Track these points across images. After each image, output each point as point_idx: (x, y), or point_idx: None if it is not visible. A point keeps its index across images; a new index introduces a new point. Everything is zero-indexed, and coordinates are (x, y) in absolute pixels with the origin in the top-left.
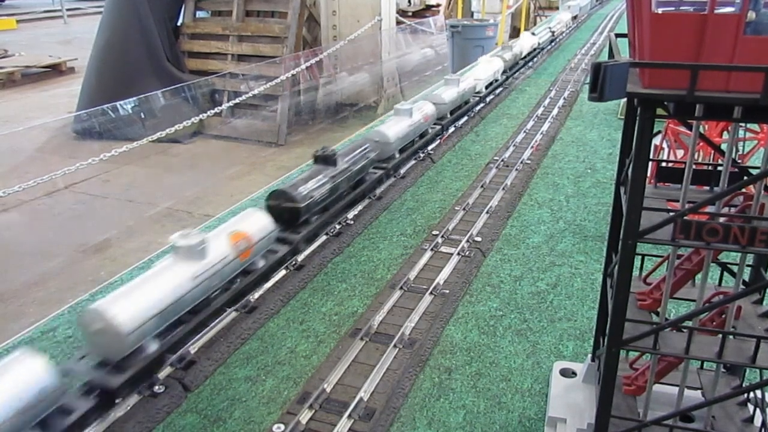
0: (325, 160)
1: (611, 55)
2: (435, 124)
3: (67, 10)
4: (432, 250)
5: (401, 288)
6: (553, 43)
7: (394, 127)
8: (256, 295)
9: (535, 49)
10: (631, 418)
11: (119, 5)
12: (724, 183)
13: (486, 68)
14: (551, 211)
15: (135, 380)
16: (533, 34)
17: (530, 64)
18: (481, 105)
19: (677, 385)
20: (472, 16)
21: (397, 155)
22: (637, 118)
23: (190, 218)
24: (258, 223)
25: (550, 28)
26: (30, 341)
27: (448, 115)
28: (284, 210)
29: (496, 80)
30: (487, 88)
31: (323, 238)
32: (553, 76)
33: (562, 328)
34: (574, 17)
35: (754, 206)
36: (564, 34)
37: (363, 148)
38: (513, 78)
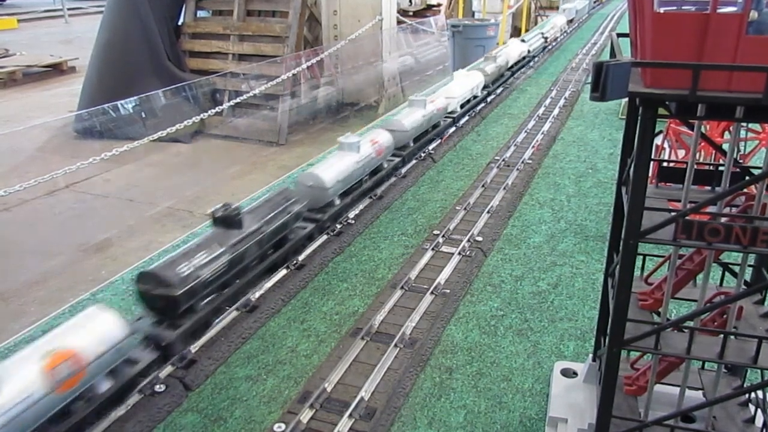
0: (226, 221)
1: (613, 54)
2: (394, 155)
3: (68, 9)
4: (433, 249)
5: (402, 287)
6: (546, 50)
7: (334, 167)
8: (257, 294)
9: (524, 58)
10: (632, 419)
11: (120, 5)
12: (725, 183)
13: (462, 84)
14: (552, 211)
15: None
16: (523, 40)
17: (531, 64)
18: (482, 105)
19: (678, 386)
20: (473, 15)
21: (338, 201)
22: (639, 117)
23: (191, 217)
24: (97, 332)
25: (542, 33)
26: None
27: (411, 144)
28: (158, 297)
29: (476, 97)
30: (463, 106)
31: (323, 237)
32: (554, 75)
33: (563, 328)
34: (570, 21)
35: (756, 206)
36: (558, 40)
37: (284, 199)
38: (514, 77)
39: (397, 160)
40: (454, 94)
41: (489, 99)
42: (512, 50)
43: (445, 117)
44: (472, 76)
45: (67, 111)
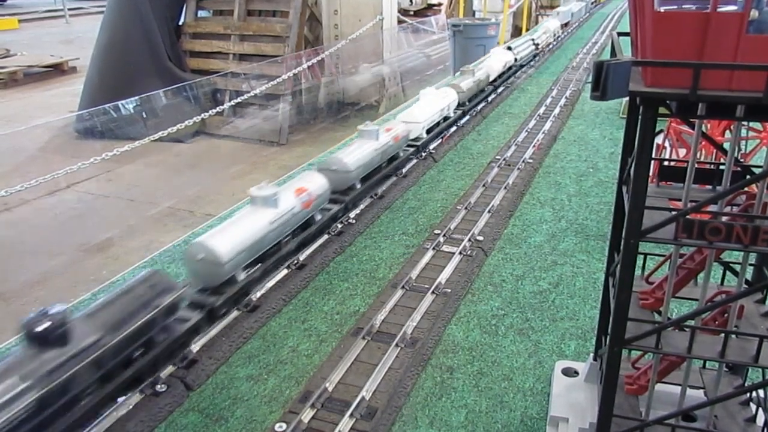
0: (45, 339)
1: (613, 53)
2: (334, 200)
3: (69, 9)
4: (434, 249)
5: (403, 287)
6: (537, 58)
7: (236, 231)
8: (258, 294)
9: (510, 68)
10: (633, 418)
11: (121, 5)
12: (726, 182)
13: (428, 105)
14: (553, 210)
15: None
16: (509, 48)
17: (534, 63)
18: (483, 104)
19: (679, 385)
20: (473, 15)
21: (242, 276)
22: (640, 116)
23: (192, 217)
24: None
25: (533, 39)
26: None
27: (358, 185)
28: None
29: (447, 118)
30: (429, 132)
31: (324, 237)
32: (555, 75)
33: (564, 327)
34: (565, 25)
35: (757, 205)
36: (552, 46)
37: (149, 287)
38: (515, 77)
39: (336, 208)
40: (417, 118)
41: (490, 98)
42: (495, 61)
43: (408, 146)
44: (443, 95)
45: (68, 111)
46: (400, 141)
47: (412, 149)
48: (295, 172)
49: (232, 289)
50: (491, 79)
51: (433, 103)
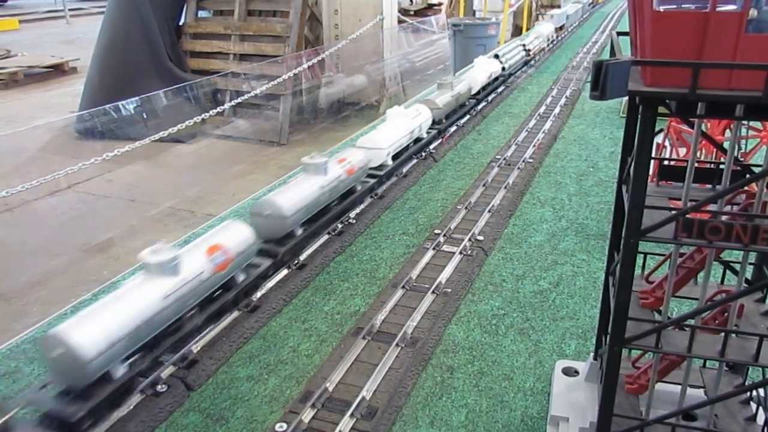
0: None
1: (613, 53)
2: (266, 252)
3: (70, 10)
4: (434, 249)
5: (403, 287)
6: (528, 65)
7: (110, 314)
8: (259, 294)
9: (497, 78)
10: (634, 417)
11: (121, 5)
12: (726, 181)
13: (398, 125)
14: (553, 210)
15: None
16: (497, 56)
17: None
18: (483, 104)
19: (680, 384)
20: (474, 14)
21: (120, 371)
22: (639, 116)
23: (193, 217)
24: None
25: (524, 45)
26: None
27: (298, 231)
28: None
29: (420, 139)
30: (396, 158)
31: (325, 237)
32: (555, 74)
33: (564, 326)
34: (560, 28)
35: (757, 204)
36: (545, 51)
37: None
38: (515, 76)
39: (265, 264)
40: (380, 143)
41: (490, 98)
42: (479, 72)
43: (368, 176)
44: (414, 114)
45: (69, 111)
46: (356, 173)
47: (374, 179)
48: (296, 171)
49: (103, 392)
50: (474, 91)
51: (401, 124)
